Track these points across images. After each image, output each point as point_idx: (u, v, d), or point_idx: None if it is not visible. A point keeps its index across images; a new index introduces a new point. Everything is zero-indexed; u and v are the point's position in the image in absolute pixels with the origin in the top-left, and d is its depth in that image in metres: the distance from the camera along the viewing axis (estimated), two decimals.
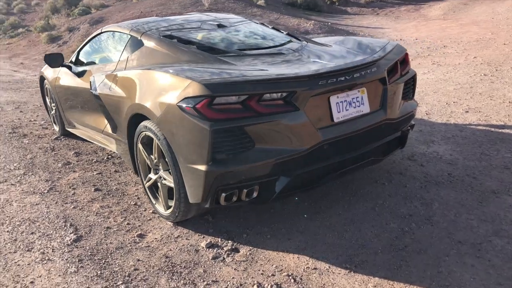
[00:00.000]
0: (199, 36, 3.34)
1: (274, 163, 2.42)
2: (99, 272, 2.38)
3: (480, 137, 4.01)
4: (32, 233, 2.83)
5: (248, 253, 2.52)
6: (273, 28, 3.78)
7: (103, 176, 3.73)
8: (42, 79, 5.12)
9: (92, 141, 4.11)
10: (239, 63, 2.81)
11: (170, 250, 2.59)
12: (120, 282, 2.28)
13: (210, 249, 2.57)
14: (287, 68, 2.68)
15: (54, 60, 4.19)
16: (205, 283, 2.27)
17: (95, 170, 3.87)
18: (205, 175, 2.36)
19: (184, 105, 2.35)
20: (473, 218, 2.69)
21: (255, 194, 2.50)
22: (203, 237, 2.70)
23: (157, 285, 2.26)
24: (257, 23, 3.86)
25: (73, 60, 4.38)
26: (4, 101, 7.24)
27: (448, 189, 3.08)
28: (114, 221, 2.95)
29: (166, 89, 2.56)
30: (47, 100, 5.16)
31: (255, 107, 2.35)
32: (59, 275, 2.36)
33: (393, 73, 2.95)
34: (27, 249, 2.64)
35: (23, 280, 2.34)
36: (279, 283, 2.24)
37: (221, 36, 3.36)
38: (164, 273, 2.36)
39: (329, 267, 2.33)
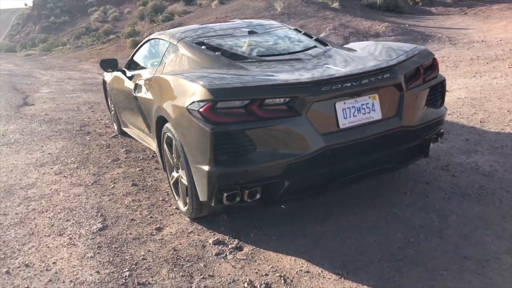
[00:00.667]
0: (227, 42, 3.49)
1: (275, 166, 2.49)
2: (111, 259, 2.62)
3: None
4: (67, 220, 3.17)
5: (250, 252, 2.61)
6: (304, 33, 3.82)
7: (143, 173, 4.03)
8: (104, 82, 5.63)
9: (139, 140, 4.44)
10: (255, 69, 2.91)
11: (180, 244, 2.76)
12: (126, 269, 2.50)
13: (216, 246, 2.70)
14: (298, 74, 2.73)
15: (109, 65, 4.59)
16: (201, 276, 2.41)
17: (138, 167, 4.19)
18: (208, 175, 2.50)
19: (191, 109, 2.52)
20: (489, 234, 2.54)
21: (258, 196, 2.58)
22: (213, 234, 2.84)
23: (157, 275, 2.44)
24: (291, 29, 3.92)
25: (128, 65, 4.76)
26: (82, 102, 8.00)
27: (473, 202, 2.92)
28: (140, 214, 3.20)
29: (179, 93, 2.75)
30: (109, 101, 5.66)
31: (257, 111, 2.44)
32: (77, 259, 2.64)
33: (413, 79, 2.86)
34: (59, 234, 2.97)
35: (48, 260, 2.65)
36: (269, 282, 2.31)
37: (248, 42, 3.49)
38: (168, 264, 2.53)
39: (322, 271, 2.35)
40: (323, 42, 3.58)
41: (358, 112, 2.63)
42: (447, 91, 5.83)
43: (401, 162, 2.97)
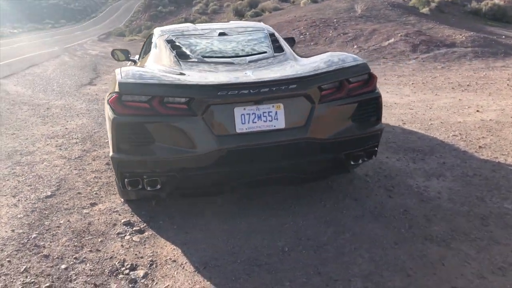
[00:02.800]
0: (191, 42, 3.71)
1: (170, 160, 2.68)
2: (32, 222, 3.02)
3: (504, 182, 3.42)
4: (29, 185, 3.67)
5: (146, 236, 2.84)
6: (273, 40, 3.83)
7: None
8: None
9: None
10: (189, 68, 3.12)
11: (98, 219, 3.07)
12: (36, 233, 2.87)
13: (124, 226, 2.97)
14: (214, 76, 2.89)
15: (121, 55, 5.05)
16: (89, 249, 2.69)
17: None
18: (112, 160, 2.77)
19: (107, 99, 2.81)
20: (366, 256, 2.47)
21: (158, 186, 2.80)
22: (131, 216, 3.11)
23: (57, 241, 2.78)
24: (266, 34, 3.98)
25: (139, 56, 5.19)
26: None
27: (380, 224, 2.83)
28: (90, 189, 3.58)
29: (111, 84, 3.05)
30: None
31: (158, 107, 2.65)
32: (8, 217, 3.08)
33: (333, 92, 2.84)
34: (13, 195, 3.47)
35: None
36: (137, 264, 2.52)
37: (207, 43, 3.66)
38: (72, 234, 2.86)
39: (185, 263, 2.50)
40: (281, 50, 3.61)
41: (259, 119, 2.71)
42: (478, 110, 5.47)
43: (313, 174, 2.97)
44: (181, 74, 2.99)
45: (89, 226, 2.97)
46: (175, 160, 2.67)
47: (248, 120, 2.69)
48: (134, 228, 2.93)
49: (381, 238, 2.66)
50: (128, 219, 3.04)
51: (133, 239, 2.81)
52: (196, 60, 3.31)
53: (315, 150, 2.82)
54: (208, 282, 2.31)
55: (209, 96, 2.63)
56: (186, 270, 2.44)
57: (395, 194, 3.27)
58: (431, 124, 5.20)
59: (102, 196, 3.45)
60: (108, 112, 2.74)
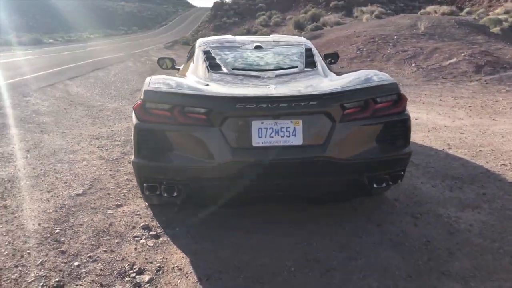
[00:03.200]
0: (226, 54, 3.76)
1: (186, 169, 2.73)
2: (59, 218, 3.17)
3: None
4: (65, 182, 3.85)
5: (160, 242, 2.89)
6: (308, 55, 3.79)
7: None
8: None
9: None
10: (217, 79, 3.17)
11: (119, 221, 3.17)
12: (59, 228, 3.02)
13: (142, 230, 3.04)
14: (238, 89, 2.91)
15: (165, 63, 5.23)
16: (104, 249, 2.78)
17: None
18: (133, 165, 2.86)
19: (133, 106, 2.91)
20: (374, 286, 2.36)
21: (175, 193, 2.85)
22: (151, 220, 3.18)
23: (76, 238, 2.90)
24: (303, 48, 3.94)
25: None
26: None
27: (397, 254, 2.68)
28: (119, 191, 3.71)
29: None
30: None
31: (178, 116, 2.71)
32: (39, 211, 3.26)
33: (357, 112, 2.76)
34: (48, 191, 3.66)
35: (21, 207, 3.34)
36: (145, 269, 2.56)
37: (241, 56, 3.70)
38: (92, 233, 2.97)
39: (190, 273, 2.51)
40: (313, 65, 3.56)
41: (276, 134, 2.68)
42: None
43: (332, 195, 2.89)
44: (207, 84, 3.03)
45: (109, 227, 3.07)
46: (191, 169, 2.71)
47: (266, 134, 2.67)
48: (151, 233, 2.99)
49: (395, 268, 2.52)
50: (147, 223, 3.11)
51: (148, 243, 2.87)
52: (225, 71, 3.35)
53: (333, 170, 2.74)
54: None
55: (227, 108, 2.64)
56: (189, 280, 2.45)
57: (422, 222, 3.09)
58: (480, 150, 4.89)
59: (129, 199, 3.56)
60: (133, 118, 2.83)
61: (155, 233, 3.00)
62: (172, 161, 2.73)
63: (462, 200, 3.50)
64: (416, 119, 6.50)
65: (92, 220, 3.17)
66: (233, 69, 3.41)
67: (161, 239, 2.93)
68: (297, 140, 2.68)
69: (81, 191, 3.65)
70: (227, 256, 2.68)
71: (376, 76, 3.04)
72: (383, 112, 2.82)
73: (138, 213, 3.30)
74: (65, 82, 10.36)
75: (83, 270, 2.54)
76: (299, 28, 25.65)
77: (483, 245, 2.79)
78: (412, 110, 7.15)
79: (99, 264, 2.61)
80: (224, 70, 3.38)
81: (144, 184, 2.85)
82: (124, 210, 3.34)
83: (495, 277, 2.44)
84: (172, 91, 2.78)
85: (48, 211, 3.27)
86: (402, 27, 15.83)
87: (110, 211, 3.32)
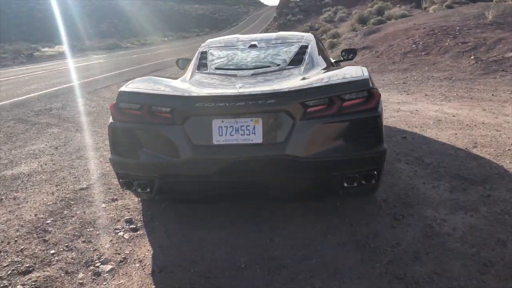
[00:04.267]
0: (219, 54, 3.84)
1: (153, 165, 2.85)
2: (55, 210, 3.45)
3: None
4: (75, 177, 4.15)
5: (136, 235, 3.04)
6: (299, 53, 3.73)
7: None
8: None
9: None
10: (197, 79, 3.28)
11: (108, 214, 3.38)
12: (51, 219, 3.28)
13: (124, 223, 3.22)
14: (208, 88, 2.98)
15: (182, 63, 5.41)
16: (84, 239, 2.99)
17: None
18: (110, 161, 3.04)
19: (110, 105, 3.09)
20: (316, 285, 2.31)
21: (148, 189, 2.98)
22: (137, 214, 3.35)
23: (63, 228, 3.14)
24: (300, 47, 3.88)
25: None
26: None
27: (358, 255, 2.60)
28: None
29: None
30: None
31: (146, 115, 2.84)
32: (41, 204, 3.56)
33: (322, 109, 2.70)
34: (56, 184, 3.97)
35: (26, 198, 3.67)
36: (110, 259, 2.72)
37: (232, 55, 3.76)
38: (78, 224, 3.20)
39: (148, 265, 2.63)
40: (299, 63, 3.51)
41: (236, 132, 2.71)
42: None
43: (296, 194, 2.86)
44: (186, 84, 3.13)
45: (97, 219, 3.28)
46: (158, 165, 2.82)
47: (226, 132, 2.71)
48: (131, 226, 3.15)
49: (347, 270, 2.44)
50: (131, 217, 3.28)
51: (124, 236, 3.03)
52: (208, 71, 3.43)
53: (294, 169, 2.70)
54: (154, 287, 2.40)
55: (188, 107, 2.72)
56: (144, 271, 2.56)
57: (401, 224, 2.95)
58: (509, 150, 4.51)
59: (126, 194, 3.76)
60: (110, 118, 3.00)
61: (134, 226, 3.15)
62: (142, 158, 2.85)
63: (459, 202, 3.27)
64: (453, 116, 6.12)
65: (84, 212, 3.40)
66: (216, 68, 3.48)
67: (138, 232, 3.07)
68: (257, 138, 2.69)
69: (85, 185, 3.92)
70: (188, 250, 2.76)
71: (352, 72, 2.95)
72: (351, 109, 2.72)
73: (129, 207, 3.48)
74: (120, 84, 11.00)
75: (56, 258, 2.75)
76: (362, 22, 24.92)
77: (457, 250, 2.61)
78: (454, 106, 6.74)
79: (73, 253, 2.81)
80: (208, 70, 3.46)
81: (120, 180, 3.01)
82: (117, 204, 3.54)
83: (454, 283, 2.28)
84: (142, 91, 2.90)
85: (48, 203, 3.56)
86: (467, 17, 14.82)
87: (103, 205, 3.53)
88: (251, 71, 3.33)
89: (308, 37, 4.22)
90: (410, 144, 4.84)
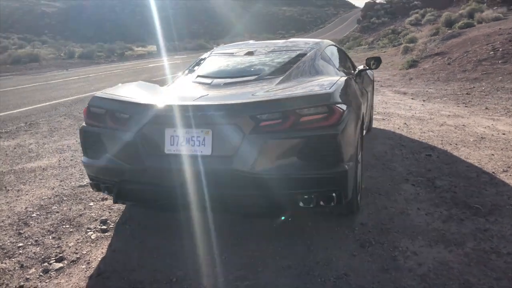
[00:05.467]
0: (214, 61, 3.83)
1: (112, 170, 2.91)
2: (49, 204, 3.65)
3: None
4: (81, 174, 4.37)
5: (102, 237, 3.12)
6: (291, 62, 3.58)
7: None
8: None
9: None
10: (175, 87, 3.32)
11: (90, 213, 3.51)
12: (39, 213, 3.48)
13: (99, 223, 3.32)
14: (178, 96, 3.01)
15: None
16: (55, 236, 3.13)
17: None
18: (83, 164, 3.16)
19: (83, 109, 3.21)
20: None
21: (113, 193, 3.05)
22: (116, 215, 3.44)
23: (43, 224, 3.32)
24: (297, 55, 3.74)
25: None
26: None
27: (290, 281, 2.42)
28: None
29: None
30: None
31: (108, 120, 2.91)
32: (39, 197, 3.80)
33: (277, 124, 2.56)
34: (61, 180, 4.21)
35: (29, 191, 3.93)
36: (65, 258, 2.82)
37: (223, 63, 3.73)
38: (59, 221, 3.36)
39: (92, 268, 2.68)
40: (283, 72, 3.37)
41: (187, 143, 2.67)
42: None
43: (244, 209, 2.75)
44: (160, 92, 3.16)
45: (78, 217, 3.43)
46: (116, 171, 2.87)
47: (177, 142, 2.68)
48: (103, 227, 3.25)
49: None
50: (107, 218, 3.38)
51: (91, 236, 3.13)
52: (190, 79, 3.43)
53: (240, 184, 2.60)
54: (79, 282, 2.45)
55: (144, 115, 2.73)
56: (85, 274, 2.62)
57: (364, 253, 2.70)
58: None
59: None
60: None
61: (106, 227, 3.24)
62: (106, 162, 2.92)
63: (446, 234, 2.92)
64: (502, 134, 5.49)
65: (69, 209, 3.57)
66: (198, 76, 3.46)
67: (105, 234, 3.16)
68: (207, 150, 2.62)
69: (84, 183, 4.11)
70: (136, 257, 2.78)
71: (319, 84, 2.78)
72: (307, 125, 2.55)
73: (113, 207, 3.59)
74: None
75: (20, 251, 2.92)
76: (449, 25, 23.33)
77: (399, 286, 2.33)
78: (507, 121, 6.06)
79: (38, 248, 2.96)
80: (191, 77, 3.46)
81: (90, 182, 3.11)
82: (103, 204, 3.67)
83: None
84: (109, 97, 2.97)
85: (43, 198, 3.79)
86: None
87: (91, 204, 3.68)
88: (228, 80, 3.26)
89: (315, 45, 4.04)
90: (431, 163, 4.42)
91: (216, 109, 2.59)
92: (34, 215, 3.46)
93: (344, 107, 2.66)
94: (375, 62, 4.96)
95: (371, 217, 3.19)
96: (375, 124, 6.38)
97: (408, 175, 4.09)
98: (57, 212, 3.52)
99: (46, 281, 2.57)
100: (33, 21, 66.49)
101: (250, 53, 3.87)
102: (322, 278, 2.45)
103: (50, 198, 3.78)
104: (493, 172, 4.10)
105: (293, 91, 2.74)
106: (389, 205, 3.42)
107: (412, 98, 8.84)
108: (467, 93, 8.89)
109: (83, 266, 2.71)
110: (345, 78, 3.05)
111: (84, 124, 3.04)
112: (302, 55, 3.70)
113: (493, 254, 2.65)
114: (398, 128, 6.08)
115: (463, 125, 6.16)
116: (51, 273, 2.65)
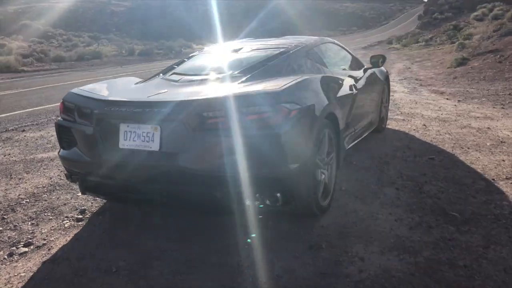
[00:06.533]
0: (198, 58, 3.92)
1: (77, 162, 3.08)
2: (42, 193, 3.90)
3: None
4: None
5: (75, 225, 3.29)
6: (268, 59, 3.55)
7: None
8: None
9: None
10: (147, 82, 3.44)
11: (74, 202, 3.70)
12: (28, 200, 3.74)
13: (77, 213, 3.50)
14: (136, 92, 3.11)
15: None
16: (33, 222, 3.35)
17: None
18: (58, 156, 3.36)
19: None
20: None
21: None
22: (97, 206, 3.60)
23: (27, 210, 3.56)
24: (278, 53, 3.70)
25: None
26: None
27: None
28: None
29: None
30: None
31: (76, 115, 3.08)
32: (35, 186, 4.07)
33: (221, 122, 2.58)
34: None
35: (27, 180, 4.23)
36: (32, 243, 3.01)
37: (204, 61, 3.81)
38: (42, 208, 3.58)
39: (50, 255, 2.85)
40: (253, 70, 3.35)
41: (138, 138, 2.76)
42: None
43: (192, 206, 2.80)
44: (130, 87, 3.28)
45: (61, 206, 3.63)
46: (81, 163, 3.03)
47: (130, 137, 2.78)
48: (78, 217, 3.42)
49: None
50: (88, 208, 3.55)
51: (65, 225, 3.31)
52: (163, 76, 3.53)
53: (184, 180, 2.65)
54: (31, 274, 2.61)
55: (100, 110, 2.86)
56: (41, 259, 2.78)
57: (307, 256, 2.64)
58: None
59: None
60: None
61: (81, 217, 3.41)
62: (73, 155, 3.09)
63: (405, 241, 2.78)
64: None
65: (58, 198, 3.79)
66: (173, 73, 3.55)
67: (79, 223, 3.32)
68: (155, 146, 2.70)
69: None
70: (92, 246, 2.90)
71: (273, 85, 2.76)
72: (252, 124, 2.55)
73: (96, 199, 3.76)
74: None
75: None
76: None
77: None
78: None
79: (14, 233, 3.19)
80: (166, 74, 3.55)
81: (65, 173, 3.30)
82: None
83: None
84: (79, 93, 3.13)
85: (38, 186, 4.05)
86: None
87: (79, 194, 3.88)
88: (195, 77, 3.32)
89: (302, 43, 3.97)
90: (430, 167, 4.21)
91: (164, 106, 2.65)
92: (24, 202, 3.72)
93: (292, 106, 2.62)
94: (380, 60, 4.80)
95: (336, 220, 3.11)
96: (392, 125, 6.14)
97: (397, 178, 3.92)
98: (45, 200, 3.75)
99: (7, 263, 2.76)
100: (103, 20, 70.21)
101: (235, 51, 3.89)
102: (254, 278, 2.43)
103: (44, 187, 4.04)
104: (493, 179, 3.83)
105: (242, 90, 2.74)
106: (361, 208, 3.31)
107: (447, 98, 8.39)
108: (509, 94, 8.30)
109: (44, 252, 2.88)
110: (306, 78, 3.00)
111: (59, 118, 3.22)
112: (283, 53, 3.66)
113: (447, 265, 2.50)
114: (414, 130, 5.82)
115: (488, 127, 5.77)
116: (14, 257, 2.83)
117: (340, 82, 3.75)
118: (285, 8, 79.13)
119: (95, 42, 44.36)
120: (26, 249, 2.93)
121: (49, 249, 2.91)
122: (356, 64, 4.89)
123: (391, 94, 8.92)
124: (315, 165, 2.94)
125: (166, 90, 3.04)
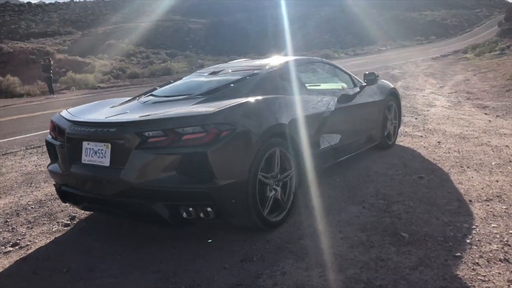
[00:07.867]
0: (179, 81, 4.26)
1: (55, 175, 3.53)
2: (50, 199, 4.43)
3: None
4: None
5: (61, 230, 3.73)
6: (236, 82, 3.78)
7: None
8: None
9: None
10: (126, 103, 3.83)
11: (72, 209, 4.16)
12: (26, 204, 4.27)
13: (68, 219, 3.96)
14: (109, 112, 3.51)
15: None
16: (29, 225, 3.85)
17: None
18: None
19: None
20: None
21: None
22: (88, 213, 4.05)
23: (27, 215, 4.08)
24: (249, 75, 3.92)
25: None
26: None
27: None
28: None
29: None
30: None
31: (56, 134, 3.55)
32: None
33: (161, 141, 2.88)
34: None
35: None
36: (17, 244, 3.49)
37: (181, 83, 4.13)
38: (40, 214, 4.09)
39: (30, 258, 3.28)
40: (214, 91, 3.60)
41: (95, 154, 3.14)
42: None
43: (133, 217, 3.14)
44: (106, 108, 3.70)
45: (58, 212, 4.12)
46: (57, 176, 3.48)
47: (89, 154, 3.17)
48: (67, 222, 3.87)
49: None
50: (78, 215, 3.99)
51: (53, 229, 3.76)
52: (139, 98, 3.91)
53: (126, 193, 2.97)
54: (1, 270, 3.05)
55: (68, 130, 3.28)
56: (17, 258, 3.23)
57: (235, 268, 2.79)
58: None
59: None
60: None
61: (69, 223, 3.85)
62: (55, 168, 3.55)
63: (337, 259, 2.85)
64: None
65: (58, 205, 4.29)
66: (150, 95, 3.92)
67: (65, 228, 3.76)
68: (107, 161, 3.05)
69: None
70: (61, 249, 3.31)
71: (215, 106, 3.01)
72: (186, 143, 2.82)
73: None
74: None
75: None
76: None
77: None
78: None
79: (9, 234, 3.70)
80: (143, 96, 3.93)
81: (54, 184, 3.77)
82: None
83: None
84: (61, 113, 3.60)
85: (47, 194, 4.59)
86: None
87: None
88: (161, 99, 3.65)
89: (278, 65, 4.15)
90: (412, 186, 4.15)
91: (114, 126, 3.02)
92: (29, 208, 4.25)
93: (224, 127, 2.84)
94: (371, 77, 4.83)
95: (282, 235, 3.24)
96: (405, 142, 6.04)
97: (371, 197, 3.93)
98: (47, 207, 4.26)
99: None
100: (180, 38, 74.09)
101: (213, 74, 4.17)
102: (176, 285, 2.66)
103: (52, 195, 4.56)
104: (470, 201, 3.71)
105: (180, 111, 3.01)
106: (315, 225, 3.39)
107: (485, 113, 7.98)
108: None
109: (23, 252, 3.32)
110: (254, 99, 3.20)
111: (48, 135, 3.70)
112: (252, 75, 3.88)
113: (362, 284, 2.55)
114: (424, 147, 5.67)
115: (507, 145, 5.48)
116: None
117: (308, 101, 3.87)
118: (360, 19, 77.75)
119: (171, 58, 47.02)
120: (11, 249, 3.39)
121: (27, 250, 3.35)
122: (350, 82, 4.94)
123: (426, 109, 8.68)
124: (259, 182, 3.11)
125: (127, 112, 3.39)
